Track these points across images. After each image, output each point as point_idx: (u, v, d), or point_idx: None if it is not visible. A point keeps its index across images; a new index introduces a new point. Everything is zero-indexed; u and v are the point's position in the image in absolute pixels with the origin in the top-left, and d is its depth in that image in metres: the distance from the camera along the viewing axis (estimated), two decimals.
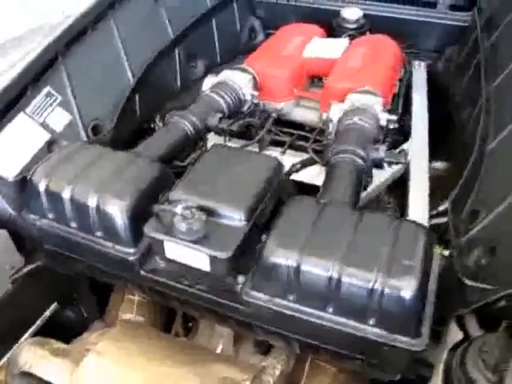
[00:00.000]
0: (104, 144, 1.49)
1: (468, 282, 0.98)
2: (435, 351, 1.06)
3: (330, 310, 0.95)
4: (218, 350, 1.43)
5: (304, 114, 1.78)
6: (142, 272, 1.17)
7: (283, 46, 1.87)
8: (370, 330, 0.93)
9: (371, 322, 0.93)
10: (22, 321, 1.43)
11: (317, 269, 0.93)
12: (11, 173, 1.33)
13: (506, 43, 1.61)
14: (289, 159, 1.59)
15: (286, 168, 1.48)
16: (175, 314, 1.59)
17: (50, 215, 1.23)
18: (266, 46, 1.91)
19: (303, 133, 1.71)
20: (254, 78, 1.69)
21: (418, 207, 1.43)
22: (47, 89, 1.52)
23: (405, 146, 1.68)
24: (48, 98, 1.52)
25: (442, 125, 1.80)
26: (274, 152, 1.67)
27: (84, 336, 1.32)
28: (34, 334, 1.45)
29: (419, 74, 2.02)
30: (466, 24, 1.99)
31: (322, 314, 0.96)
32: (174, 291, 1.17)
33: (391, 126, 1.48)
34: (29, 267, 1.41)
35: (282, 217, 1.03)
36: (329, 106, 1.52)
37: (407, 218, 1.04)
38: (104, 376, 1.09)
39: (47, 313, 1.52)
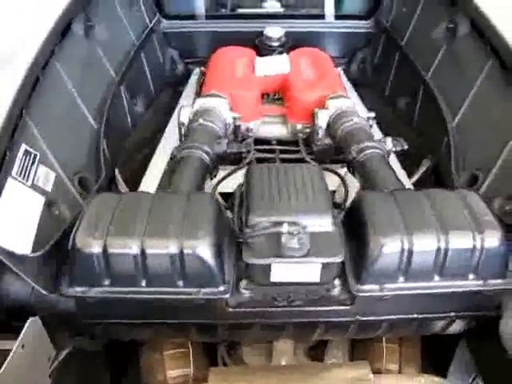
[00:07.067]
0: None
1: None
2: None
3: None
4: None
5: (271, 130, 1.86)
6: (229, 309, 1.11)
7: (231, 69, 1.91)
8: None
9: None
10: None
11: None
12: (26, 248, 1.13)
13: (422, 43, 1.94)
14: None
15: None
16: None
17: (107, 281, 1.07)
18: (214, 72, 1.93)
19: (283, 147, 1.78)
20: (228, 101, 1.70)
21: None
22: (23, 147, 1.31)
23: None
24: (28, 157, 1.31)
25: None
26: None
27: None
28: None
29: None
30: (370, 31, 2.30)
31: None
32: (265, 317, 1.14)
33: (370, 123, 1.65)
34: (62, 354, 1.20)
35: None
36: (315, 114, 1.62)
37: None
38: None
39: None
